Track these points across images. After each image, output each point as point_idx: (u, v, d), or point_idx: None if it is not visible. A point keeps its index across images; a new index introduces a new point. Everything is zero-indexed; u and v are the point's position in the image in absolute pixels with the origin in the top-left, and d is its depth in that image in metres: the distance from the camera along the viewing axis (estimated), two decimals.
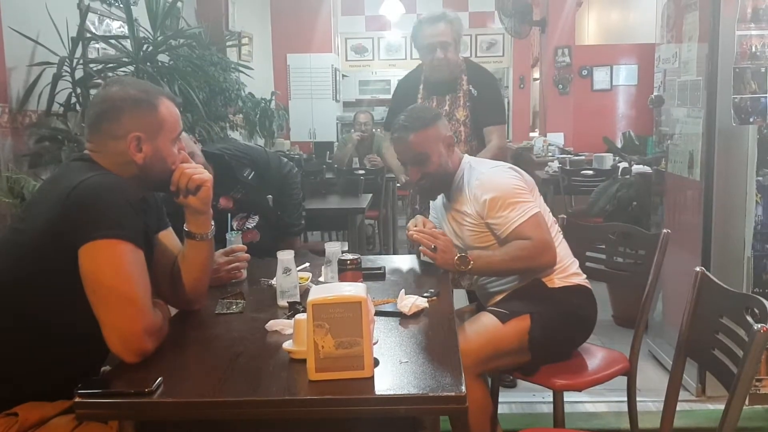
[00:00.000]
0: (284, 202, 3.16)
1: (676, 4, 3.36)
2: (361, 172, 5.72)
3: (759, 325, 1.48)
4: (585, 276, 2.38)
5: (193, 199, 1.78)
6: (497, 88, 3.47)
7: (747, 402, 3.00)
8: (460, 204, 2.35)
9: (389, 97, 10.03)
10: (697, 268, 1.89)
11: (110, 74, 3.53)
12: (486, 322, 2.17)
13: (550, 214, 2.39)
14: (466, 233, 2.34)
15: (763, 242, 2.98)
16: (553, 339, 2.19)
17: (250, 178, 2.98)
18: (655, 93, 3.67)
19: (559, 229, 2.41)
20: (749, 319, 1.59)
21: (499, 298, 2.33)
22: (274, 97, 7.96)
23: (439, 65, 3.20)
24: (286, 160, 3.28)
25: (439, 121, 2.40)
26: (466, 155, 2.47)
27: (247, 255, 2.29)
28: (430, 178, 2.37)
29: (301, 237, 3.36)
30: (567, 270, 2.30)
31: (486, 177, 2.29)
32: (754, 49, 2.85)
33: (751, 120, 2.89)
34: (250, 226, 3.00)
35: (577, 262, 2.38)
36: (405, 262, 2.57)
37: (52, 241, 1.55)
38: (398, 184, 3.06)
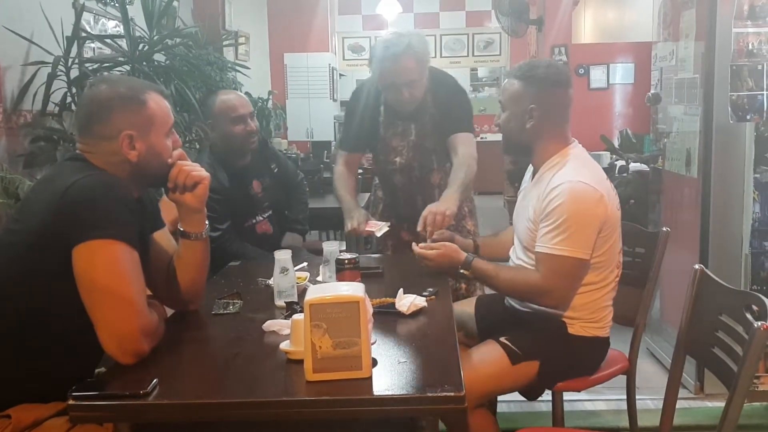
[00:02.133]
0: (292, 202, 3.37)
1: (673, 1, 3.36)
2: (359, 171, 5.70)
3: (759, 323, 1.47)
4: (610, 326, 2.17)
5: (189, 196, 1.77)
6: (463, 98, 2.90)
7: (746, 399, 3.01)
8: (535, 190, 2.11)
9: None
10: (696, 266, 1.89)
11: (106, 74, 3.52)
12: (495, 356, 2.03)
13: (620, 255, 2.14)
14: (522, 221, 2.16)
15: (761, 239, 2.98)
16: (559, 381, 2.12)
17: (276, 171, 3.21)
18: (652, 91, 3.67)
19: (617, 278, 2.14)
20: (749, 316, 1.58)
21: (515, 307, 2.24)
22: (271, 97, 7.94)
23: (405, 104, 2.74)
24: (299, 171, 3.57)
25: (540, 89, 2.07)
26: (572, 150, 2.12)
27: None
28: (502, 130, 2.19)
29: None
30: (595, 321, 2.10)
31: (571, 187, 1.97)
32: (750, 47, 2.85)
33: (748, 117, 2.89)
34: (264, 217, 3.09)
35: (611, 314, 2.16)
36: (403, 261, 2.55)
37: (46, 241, 1.54)
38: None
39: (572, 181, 1.98)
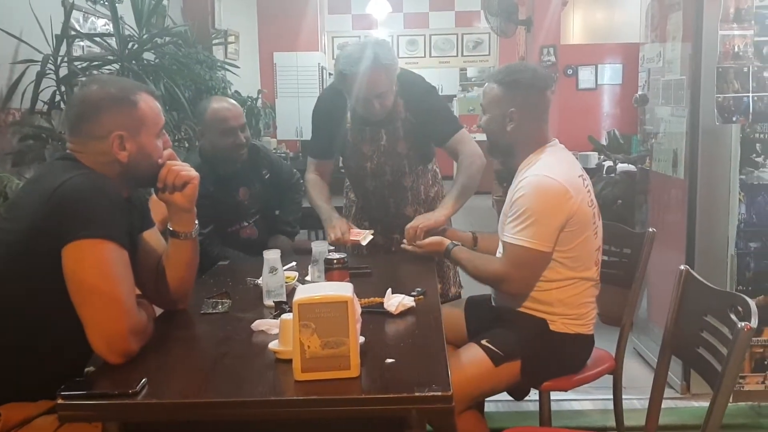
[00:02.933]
0: (285, 203, 3.30)
1: (660, 4, 3.38)
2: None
3: (743, 323, 1.49)
4: (593, 323, 2.19)
5: (178, 196, 1.77)
6: (436, 97, 2.85)
7: (731, 399, 3.02)
8: (512, 188, 2.16)
9: None
10: (682, 267, 1.90)
11: (95, 72, 3.51)
12: (477, 359, 2.05)
13: (598, 253, 2.16)
14: (502, 217, 2.22)
15: (747, 240, 3.01)
16: (543, 379, 2.15)
17: (266, 177, 3.13)
18: (639, 92, 3.69)
19: (597, 275, 2.17)
20: (733, 317, 1.60)
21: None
22: (260, 96, 7.93)
23: (376, 114, 2.65)
24: (295, 170, 3.40)
25: (520, 93, 2.12)
26: (548, 147, 2.16)
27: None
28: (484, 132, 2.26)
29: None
30: (577, 317, 2.13)
31: (535, 181, 2.03)
32: (736, 49, 2.87)
33: (734, 119, 2.91)
34: (250, 222, 3.03)
35: (594, 312, 2.19)
36: (392, 261, 2.56)
37: (35, 240, 1.54)
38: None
39: (538, 175, 2.04)
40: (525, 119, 2.13)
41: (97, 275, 1.50)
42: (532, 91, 2.14)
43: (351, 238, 2.55)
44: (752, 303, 1.58)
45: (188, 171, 1.78)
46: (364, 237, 2.57)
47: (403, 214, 2.79)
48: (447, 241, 2.34)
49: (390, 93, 2.62)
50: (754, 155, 2.98)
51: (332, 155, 2.89)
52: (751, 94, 2.90)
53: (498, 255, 2.25)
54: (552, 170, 2.05)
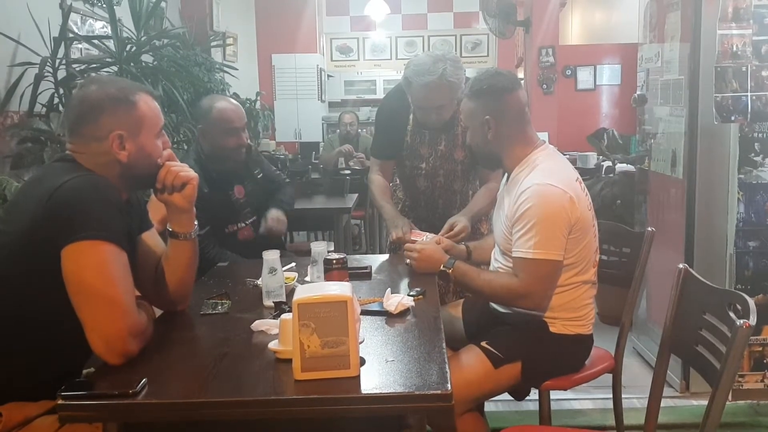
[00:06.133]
0: (279, 187, 3.32)
1: (659, 3, 3.38)
2: (347, 172, 5.73)
3: (741, 321, 1.49)
4: (592, 323, 2.19)
5: (177, 197, 1.77)
6: None
7: (730, 397, 3.04)
8: (507, 194, 2.16)
9: (375, 97, 10.10)
10: (680, 265, 1.91)
11: (93, 74, 3.51)
12: (477, 361, 2.05)
13: (596, 254, 2.16)
14: (498, 225, 2.21)
15: (746, 239, 3.01)
16: (544, 380, 2.14)
17: (259, 177, 3.17)
18: (638, 92, 3.69)
19: (595, 276, 2.17)
20: (732, 315, 1.61)
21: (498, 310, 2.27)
22: (259, 98, 7.93)
23: (433, 123, 2.75)
24: (284, 177, 3.54)
25: (489, 99, 2.13)
26: (541, 152, 2.16)
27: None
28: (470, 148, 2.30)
29: (287, 235, 3.38)
30: (576, 319, 2.13)
31: (539, 190, 2.00)
32: (735, 48, 2.88)
33: (733, 118, 2.92)
34: (247, 223, 3.03)
35: (593, 312, 2.19)
36: (391, 261, 2.57)
37: (34, 242, 1.54)
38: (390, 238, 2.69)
39: (540, 183, 2.01)
40: (502, 124, 2.13)
41: (96, 276, 1.50)
42: (500, 94, 2.13)
43: (412, 238, 2.57)
44: (751, 301, 1.58)
45: (187, 172, 1.78)
46: (425, 238, 2.55)
47: (449, 216, 2.78)
48: (445, 257, 2.28)
49: (449, 107, 2.67)
50: (753, 154, 2.98)
51: (394, 155, 2.95)
52: (749, 94, 2.90)
53: (494, 264, 2.25)
54: (553, 178, 2.03)
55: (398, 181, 3.10)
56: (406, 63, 2.75)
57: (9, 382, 1.60)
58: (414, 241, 2.51)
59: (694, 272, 1.88)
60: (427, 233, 2.60)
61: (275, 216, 3.07)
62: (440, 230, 2.61)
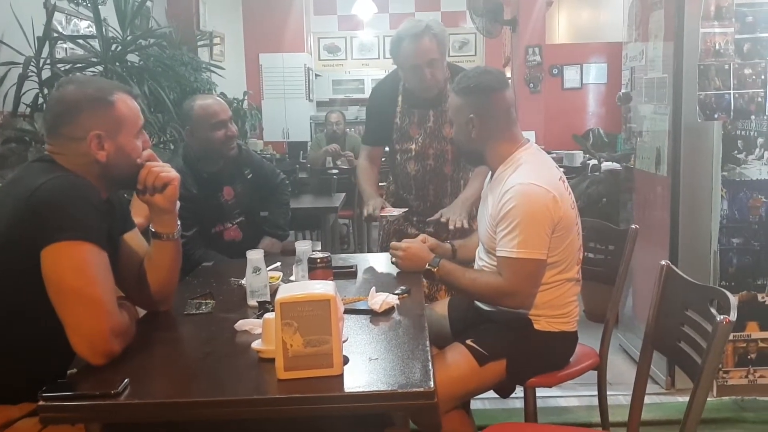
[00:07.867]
0: (273, 206, 3.31)
1: (642, 3, 3.40)
2: (335, 171, 5.73)
3: (722, 317, 1.50)
4: (577, 320, 2.20)
5: (159, 198, 1.77)
6: None
7: (715, 393, 3.06)
8: (491, 193, 2.16)
9: (362, 96, 10.08)
10: (663, 262, 1.92)
11: (78, 74, 3.49)
12: (462, 359, 2.05)
13: (580, 252, 2.17)
14: (482, 223, 2.22)
15: (729, 236, 3.03)
16: (529, 377, 2.15)
17: (249, 177, 3.14)
18: (622, 90, 3.71)
19: (579, 274, 2.18)
20: (713, 311, 1.61)
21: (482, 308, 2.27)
22: (246, 97, 7.91)
23: (427, 86, 2.80)
24: (279, 171, 3.45)
25: (475, 98, 2.13)
26: (524, 151, 2.16)
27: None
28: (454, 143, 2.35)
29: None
30: (560, 316, 2.14)
31: (523, 190, 2.01)
32: (717, 47, 2.90)
33: (716, 116, 2.94)
34: (234, 223, 3.02)
35: (577, 309, 2.20)
36: (378, 260, 2.57)
37: (13, 243, 1.53)
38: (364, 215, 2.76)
39: (524, 183, 2.02)
40: (486, 123, 2.13)
41: (76, 277, 1.50)
42: (486, 93, 2.13)
43: (381, 214, 2.70)
44: (732, 297, 1.59)
45: (168, 172, 1.77)
46: (393, 212, 2.72)
47: (441, 205, 2.83)
48: (430, 255, 2.26)
49: (440, 64, 2.79)
50: (736, 152, 3.00)
51: (383, 141, 3.05)
52: (732, 91, 2.92)
53: (479, 263, 2.25)
54: (537, 177, 2.04)
55: (392, 178, 3.13)
56: (392, 37, 2.89)
57: None
58: (383, 218, 2.66)
59: (676, 269, 1.89)
60: (398, 209, 2.75)
61: (268, 244, 3.10)
62: (428, 218, 2.73)
